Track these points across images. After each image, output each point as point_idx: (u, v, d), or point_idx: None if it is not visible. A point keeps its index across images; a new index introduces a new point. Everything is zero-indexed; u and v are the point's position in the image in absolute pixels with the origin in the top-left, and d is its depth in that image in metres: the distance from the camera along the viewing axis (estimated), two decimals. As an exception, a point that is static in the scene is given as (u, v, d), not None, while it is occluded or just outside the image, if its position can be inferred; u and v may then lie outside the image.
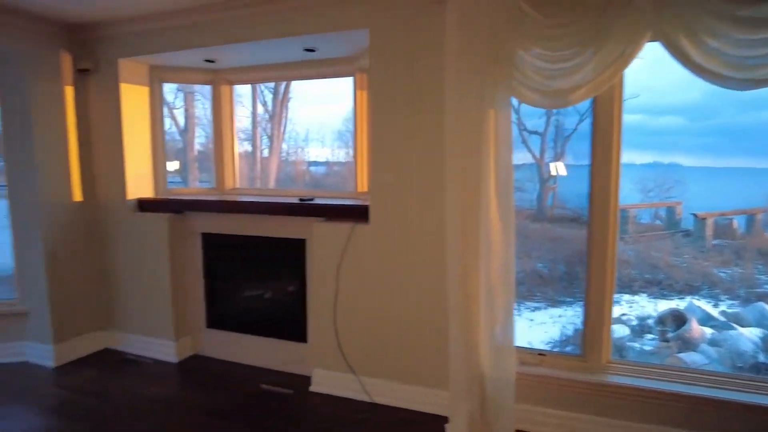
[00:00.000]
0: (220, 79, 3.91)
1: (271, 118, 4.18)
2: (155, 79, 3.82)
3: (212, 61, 3.61)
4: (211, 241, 3.70)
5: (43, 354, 3.64)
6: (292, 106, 4.15)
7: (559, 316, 4.76)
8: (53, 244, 3.59)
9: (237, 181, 4.05)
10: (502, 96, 2.42)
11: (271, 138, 4.16)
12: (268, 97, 4.15)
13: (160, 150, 3.88)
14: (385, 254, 2.93)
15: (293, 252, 3.41)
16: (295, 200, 3.35)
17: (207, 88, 3.95)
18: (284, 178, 4.26)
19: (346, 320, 3.09)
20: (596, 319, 2.64)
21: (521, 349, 2.74)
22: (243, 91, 4.07)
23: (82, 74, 3.70)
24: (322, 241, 3.11)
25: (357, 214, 3.03)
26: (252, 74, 3.83)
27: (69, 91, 3.63)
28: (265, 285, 3.68)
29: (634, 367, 2.61)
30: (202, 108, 4.22)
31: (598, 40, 2.22)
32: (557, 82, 2.35)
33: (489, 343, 2.54)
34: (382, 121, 2.86)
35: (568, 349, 4.29)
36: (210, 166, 4.02)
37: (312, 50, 3.27)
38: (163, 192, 3.92)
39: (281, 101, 4.20)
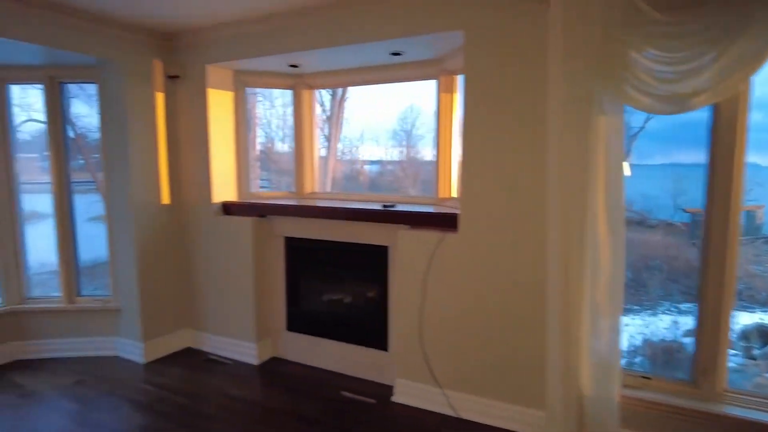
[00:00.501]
0: (302, 83, 3.92)
1: (329, 118, 4.17)
2: (239, 83, 3.89)
3: (296, 66, 3.62)
4: (293, 245, 3.72)
5: (133, 350, 3.80)
6: (348, 105, 4.11)
7: (626, 325, 4.50)
8: (144, 245, 3.74)
9: (316, 185, 4.07)
10: (613, 101, 2.26)
11: (328, 138, 4.16)
12: (326, 98, 4.15)
13: (243, 154, 3.96)
14: (476, 265, 2.83)
15: (375, 258, 3.37)
16: (378, 206, 3.31)
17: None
18: (341, 177, 4.27)
19: (432, 331, 3.01)
20: (711, 340, 2.43)
21: (623, 370, 2.56)
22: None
23: (171, 80, 3.82)
24: (407, 250, 3.05)
25: (445, 222, 2.94)
26: (333, 78, 3.82)
27: (160, 97, 3.76)
28: (345, 290, 3.67)
29: (757, 399, 2.37)
30: (263, 108, 4.28)
31: (725, 40, 2.02)
32: (675, 86, 2.16)
33: (591, 362, 2.39)
34: (476, 125, 2.75)
35: (637, 360, 4.07)
36: (269, 166, 4.11)
37: (398, 54, 3.20)
38: (245, 195, 3.99)
39: (339, 102, 4.18)
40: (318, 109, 4.07)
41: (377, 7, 2.93)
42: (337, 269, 3.64)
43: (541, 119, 2.53)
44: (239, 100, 3.91)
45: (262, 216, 3.73)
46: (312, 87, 3.97)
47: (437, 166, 3.46)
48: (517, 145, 2.64)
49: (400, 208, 3.23)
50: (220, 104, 3.79)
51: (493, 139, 2.71)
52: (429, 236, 2.97)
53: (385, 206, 3.27)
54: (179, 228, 3.99)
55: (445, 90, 3.39)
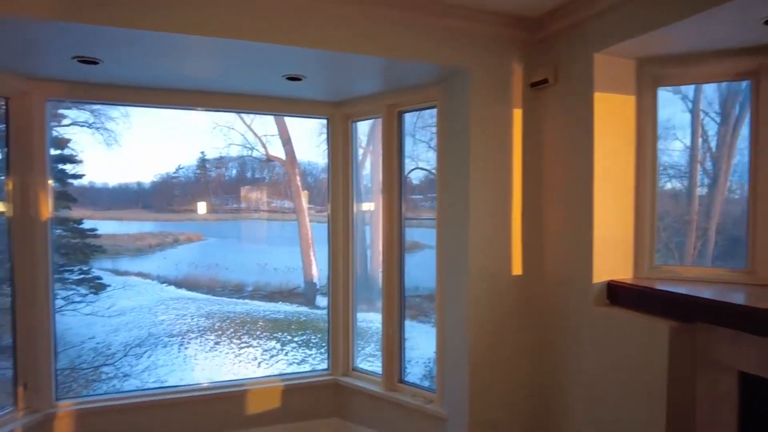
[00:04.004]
0: (779, 64, 2.02)
1: (716, 149, 2.58)
2: (647, 81, 2.28)
3: (788, 23, 1.77)
4: (759, 394, 1.81)
5: (458, 484, 2.60)
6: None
7: None
8: (480, 333, 2.52)
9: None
10: None
11: (713, 175, 2.59)
12: (710, 126, 2.54)
13: (648, 204, 2.30)
14: None
15: None
16: None
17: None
18: (725, 221, 2.47)
19: None
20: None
21: None
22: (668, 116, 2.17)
23: (534, 89, 2.55)
24: None
25: None
26: None
27: (517, 116, 2.54)
28: None
29: None
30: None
31: None
32: None
33: None
34: None
35: None
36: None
37: None
38: (647, 271, 2.30)
39: (732, 129, 2.49)
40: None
41: None
42: None
43: None
44: (646, 109, 2.29)
45: (686, 321, 1.96)
46: (805, 69, 2.00)
47: None
48: None
49: None
50: (612, 119, 2.27)
51: None
52: None
53: None
54: (533, 314, 2.61)
55: None
